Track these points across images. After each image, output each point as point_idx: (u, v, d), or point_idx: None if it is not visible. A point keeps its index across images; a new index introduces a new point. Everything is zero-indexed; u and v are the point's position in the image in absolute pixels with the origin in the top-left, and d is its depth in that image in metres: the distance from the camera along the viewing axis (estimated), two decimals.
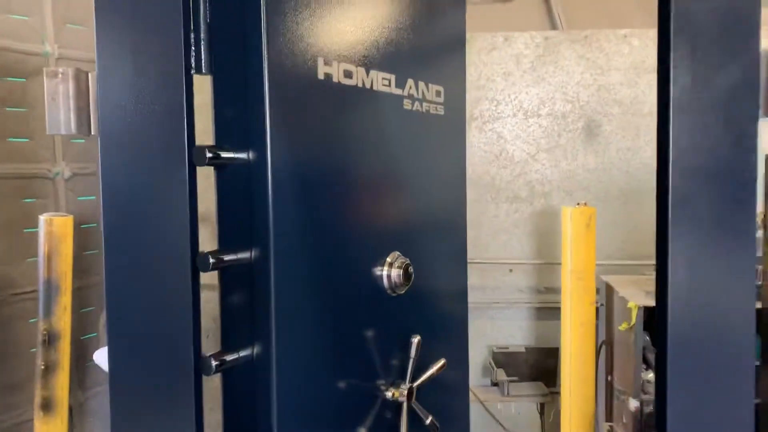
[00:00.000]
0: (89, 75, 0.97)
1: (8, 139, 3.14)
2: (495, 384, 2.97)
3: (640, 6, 3.09)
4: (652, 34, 3.04)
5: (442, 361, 1.48)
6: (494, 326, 3.05)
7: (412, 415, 1.39)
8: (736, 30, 0.94)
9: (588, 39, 2.90)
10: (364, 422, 1.31)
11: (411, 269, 1.39)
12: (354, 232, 1.32)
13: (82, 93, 0.95)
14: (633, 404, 2.16)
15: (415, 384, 1.39)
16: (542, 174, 3.04)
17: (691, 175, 1.02)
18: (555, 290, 3.10)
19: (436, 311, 1.59)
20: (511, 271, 3.04)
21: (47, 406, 2.53)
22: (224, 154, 1.09)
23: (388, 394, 1.34)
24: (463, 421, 1.74)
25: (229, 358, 1.10)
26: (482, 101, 3.03)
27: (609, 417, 2.44)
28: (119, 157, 1.03)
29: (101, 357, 1.02)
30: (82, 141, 3.46)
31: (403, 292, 1.39)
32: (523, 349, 3.06)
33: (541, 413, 3.03)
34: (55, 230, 2.55)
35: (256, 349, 1.12)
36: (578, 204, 2.34)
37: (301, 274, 1.17)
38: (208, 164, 1.07)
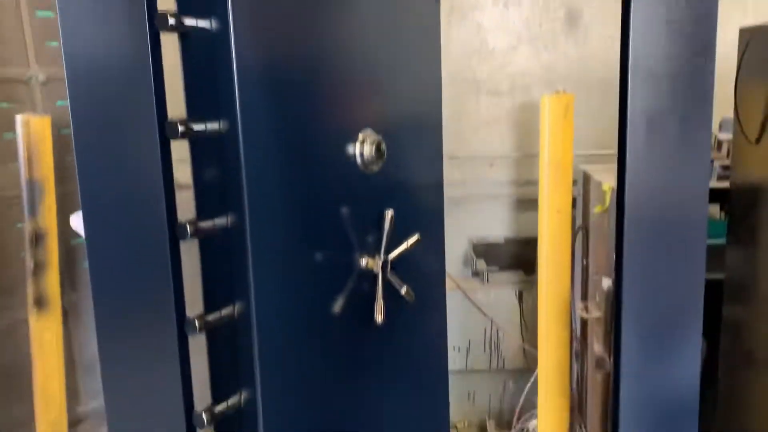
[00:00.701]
0: None
1: None
2: (475, 274, 3.07)
3: None
4: None
5: (416, 236, 1.52)
6: (475, 219, 3.11)
7: (390, 290, 1.45)
8: None
9: None
10: (341, 293, 1.36)
11: (383, 146, 1.41)
12: (325, 112, 1.32)
13: None
14: (606, 283, 2.24)
15: (390, 256, 1.44)
16: (523, 66, 3.01)
17: (649, 59, 1.03)
18: (535, 183, 3.14)
19: (410, 191, 1.62)
20: (491, 165, 3.07)
21: (40, 302, 2.60)
22: (187, 21, 1.08)
23: (363, 263, 1.39)
24: (440, 300, 1.81)
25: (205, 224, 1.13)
26: None
27: (584, 297, 2.54)
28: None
29: (77, 221, 1.05)
30: (56, 44, 3.36)
31: (376, 169, 1.41)
32: (502, 240, 3.14)
33: (520, 300, 3.15)
34: (33, 131, 2.54)
35: (231, 218, 1.15)
36: (557, 91, 2.34)
37: (272, 146, 1.18)
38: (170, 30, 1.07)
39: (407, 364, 1.65)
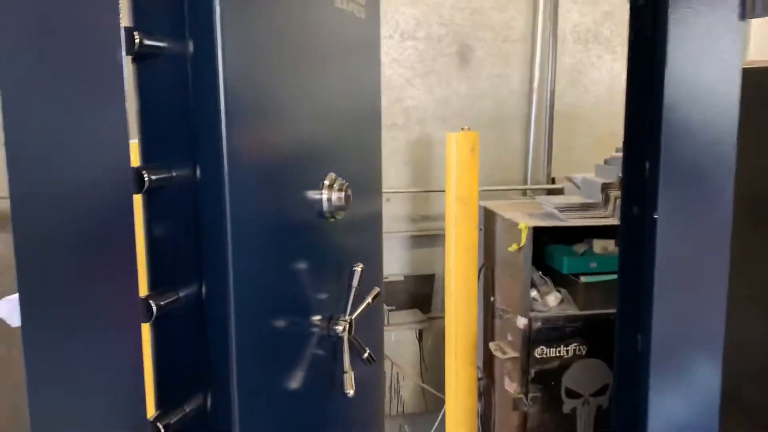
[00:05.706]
0: None
1: None
2: None
3: None
4: None
5: (376, 290, 1.38)
6: None
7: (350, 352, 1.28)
8: None
9: None
10: (306, 357, 1.17)
11: (350, 191, 1.24)
12: (295, 147, 1.14)
13: None
14: (522, 321, 2.23)
15: (354, 316, 1.28)
16: (418, 100, 2.98)
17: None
18: (430, 218, 3.11)
19: (363, 237, 1.48)
20: (388, 200, 2.98)
21: None
22: (149, 41, 0.85)
23: (339, 329, 1.21)
24: (379, 349, 1.66)
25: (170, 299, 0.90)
26: None
27: (491, 336, 2.53)
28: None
29: (4, 308, 0.77)
30: None
31: (341, 216, 1.25)
32: (401, 278, 3.05)
33: (420, 339, 3.07)
34: None
35: (205, 286, 0.92)
36: (462, 129, 2.32)
37: (252, 193, 0.98)
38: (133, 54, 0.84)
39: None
